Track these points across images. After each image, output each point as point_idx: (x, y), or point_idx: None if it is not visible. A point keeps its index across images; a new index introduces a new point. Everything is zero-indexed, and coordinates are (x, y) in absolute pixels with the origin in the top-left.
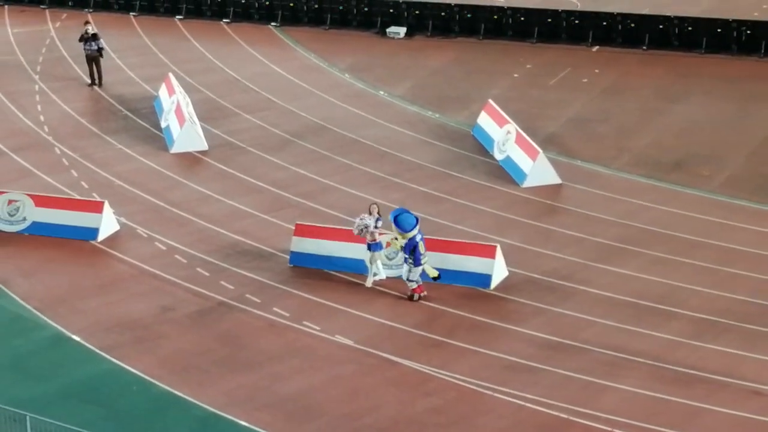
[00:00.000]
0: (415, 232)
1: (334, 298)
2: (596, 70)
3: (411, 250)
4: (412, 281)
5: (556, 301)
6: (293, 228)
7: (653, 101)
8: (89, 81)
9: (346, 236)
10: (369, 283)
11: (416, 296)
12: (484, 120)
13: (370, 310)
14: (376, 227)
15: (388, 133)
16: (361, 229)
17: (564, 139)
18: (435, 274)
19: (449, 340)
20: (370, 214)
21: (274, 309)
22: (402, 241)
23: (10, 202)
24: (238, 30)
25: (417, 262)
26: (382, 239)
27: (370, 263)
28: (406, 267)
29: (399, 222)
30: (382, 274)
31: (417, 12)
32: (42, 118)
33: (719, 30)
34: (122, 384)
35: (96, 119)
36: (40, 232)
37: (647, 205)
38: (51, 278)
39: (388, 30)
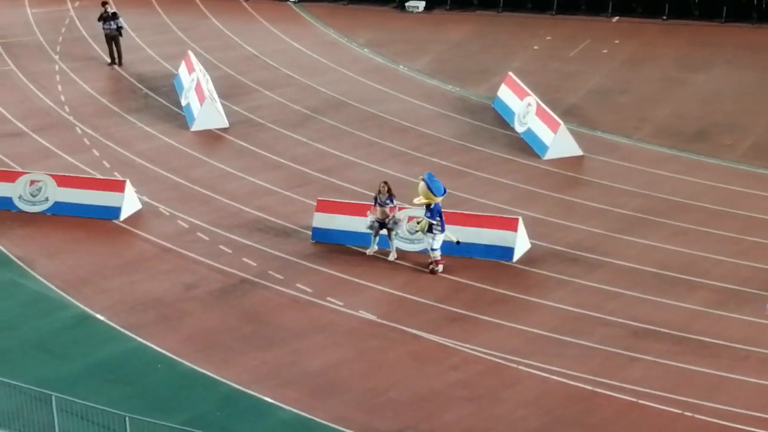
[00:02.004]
0: (440, 199)
1: (357, 274)
2: (616, 41)
3: (439, 215)
4: (436, 249)
5: (580, 272)
6: (315, 204)
7: (674, 71)
8: (109, 60)
9: (367, 211)
10: (392, 257)
11: (439, 267)
12: (505, 93)
13: (393, 284)
14: (387, 203)
15: (408, 107)
16: (371, 226)
17: (585, 110)
18: (455, 238)
19: (473, 313)
20: (380, 192)
21: (297, 285)
22: (425, 219)
23: (32, 182)
24: (256, 6)
25: (443, 228)
26: (400, 214)
27: (390, 238)
28: (430, 235)
29: (433, 182)
30: (375, 249)
31: None
32: (63, 98)
33: None
34: (147, 362)
35: (116, 98)
36: (62, 212)
37: (669, 176)
38: (74, 258)
39: (407, 4)
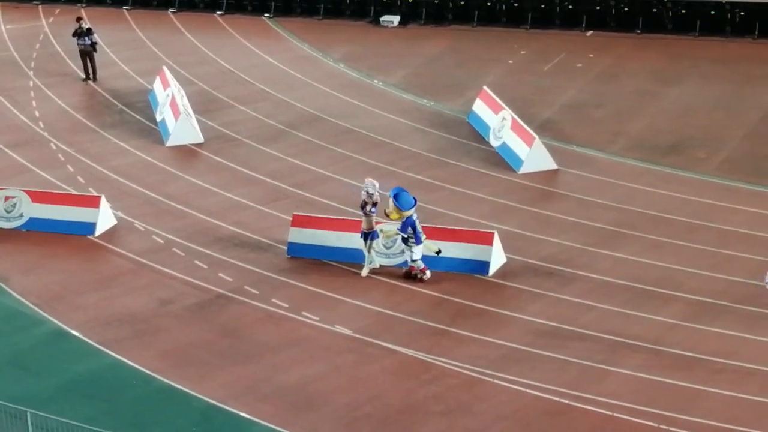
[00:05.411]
0: (412, 212)
1: (333, 288)
2: (590, 55)
3: (412, 229)
4: (416, 260)
5: (555, 286)
6: (290, 219)
7: (648, 85)
8: (83, 76)
9: (343, 226)
10: (365, 272)
11: (426, 274)
12: (480, 107)
13: (368, 299)
14: (372, 213)
15: (383, 122)
16: (367, 192)
17: (559, 124)
18: (435, 249)
19: (448, 327)
20: (367, 203)
21: (273, 300)
22: (393, 227)
23: (6, 198)
24: (231, 22)
25: (418, 240)
26: (378, 228)
27: (367, 252)
28: (407, 248)
29: (399, 199)
30: (377, 263)
31: (410, 0)
32: (37, 113)
33: (713, 12)
34: (122, 378)
35: (91, 114)
36: (37, 228)
37: (644, 189)
38: (49, 274)
39: (381, 19)
